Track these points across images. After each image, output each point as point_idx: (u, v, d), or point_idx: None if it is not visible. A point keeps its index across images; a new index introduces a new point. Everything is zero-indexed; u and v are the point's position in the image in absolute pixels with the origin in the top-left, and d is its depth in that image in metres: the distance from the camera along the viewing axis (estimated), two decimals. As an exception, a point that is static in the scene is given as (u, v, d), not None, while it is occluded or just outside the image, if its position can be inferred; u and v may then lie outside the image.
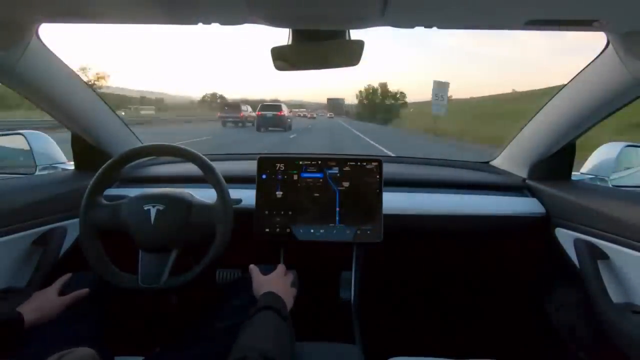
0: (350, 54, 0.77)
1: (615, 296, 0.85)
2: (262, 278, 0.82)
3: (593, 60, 0.86)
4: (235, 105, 21.68)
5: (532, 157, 1.16)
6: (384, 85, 50.84)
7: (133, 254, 0.86)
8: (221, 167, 0.91)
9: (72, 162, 1.21)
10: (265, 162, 1.03)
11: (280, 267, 0.87)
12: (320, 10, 0.61)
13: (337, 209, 1.01)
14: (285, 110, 18.19)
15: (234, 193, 0.94)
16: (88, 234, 0.86)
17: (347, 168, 1.02)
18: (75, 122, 1.07)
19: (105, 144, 1.16)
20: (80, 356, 0.40)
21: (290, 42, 0.73)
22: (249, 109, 22.20)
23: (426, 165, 1.46)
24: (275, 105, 18.52)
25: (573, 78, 0.94)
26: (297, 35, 0.73)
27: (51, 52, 0.87)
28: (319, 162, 1.03)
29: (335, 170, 1.03)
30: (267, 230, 1.02)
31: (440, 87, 14.93)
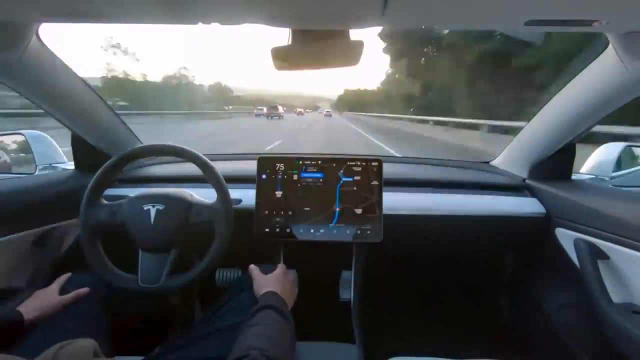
0: (350, 54, 0.77)
1: (615, 296, 0.85)
2: (262, 278, 0.82)
3: (593, 60, 0.86)
4: (275, 106, 35.73)
5: (532, 157, 1.16)
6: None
7: (133, 254, 0.86)
8: (221, 167, 0.91)
9: (72, 162, 1.21)
10: (265, 162, 1.03)
11: (281, 267, 0.87)
12: (320, 10, 0.61)
13: (337, 209, 1.01)
14: (280, 109, 35.30)
15: (234, 193, 0.94)
16: (88, 234, 0.86)
17: (347, 168, 1.02)
18: (75, 122, 1.07)
19: (105, 144, 1.16)
20: (82, 346, 0.40)
21: (290, 42, 0.73)
22: (282, 108, 37.70)
23: (426, 165, 1.46)
24: (276, 106, 35.37)
25: (573, 78, 0.95)
26: (297, 35, 0.73)
27: (51, 52, 0.87)
28: (319, 162, 1.03)
29: (335, 170, 1.03)
30: (267, 230, 1.02)
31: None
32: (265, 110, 36.61)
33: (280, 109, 35.10)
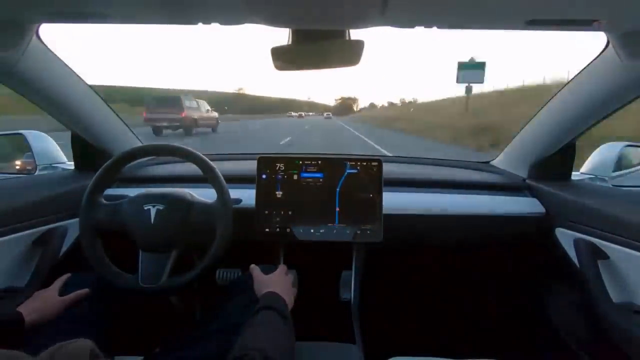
0: (350, 54, 0.77)
1: (615, 296, 0.85)
2: (263, 278, 0.82)
3: (593, 60, 0.86)
4: (172, 101, 13.11)
5: (532, 157, 1.16)
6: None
7: (133, 254, 0.86)
8: (221, 167, 0.91)
9: (73, 162, 1.21)
10: (265, 162, 1.03)
11: (281, 267, 0.87)
12: (320, 10, 0.61)
13: (337, 208, 1.01)
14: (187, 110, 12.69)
15: (234, 193, 0.94)
16: (88, 233, 0.86)
17: (347, 168, 1.02)
18: (75, 121, 1.07)
19: (105, 143, 1.16)
20: (80, 346, 0.40)
21: (290, 42, 0.73)
22: (201, 106, 14.17)
23: (426, 165, 1.46)
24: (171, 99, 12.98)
25: (573, 78, 0.95)
26: (297, 35, 0.73)
27: (51, 52, 0.87)
28: (319, 162, 1.03)
29: (335, 170, 1.03)
30: (267, 230, 1.02)
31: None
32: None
33: (192, 105, 13.28)
